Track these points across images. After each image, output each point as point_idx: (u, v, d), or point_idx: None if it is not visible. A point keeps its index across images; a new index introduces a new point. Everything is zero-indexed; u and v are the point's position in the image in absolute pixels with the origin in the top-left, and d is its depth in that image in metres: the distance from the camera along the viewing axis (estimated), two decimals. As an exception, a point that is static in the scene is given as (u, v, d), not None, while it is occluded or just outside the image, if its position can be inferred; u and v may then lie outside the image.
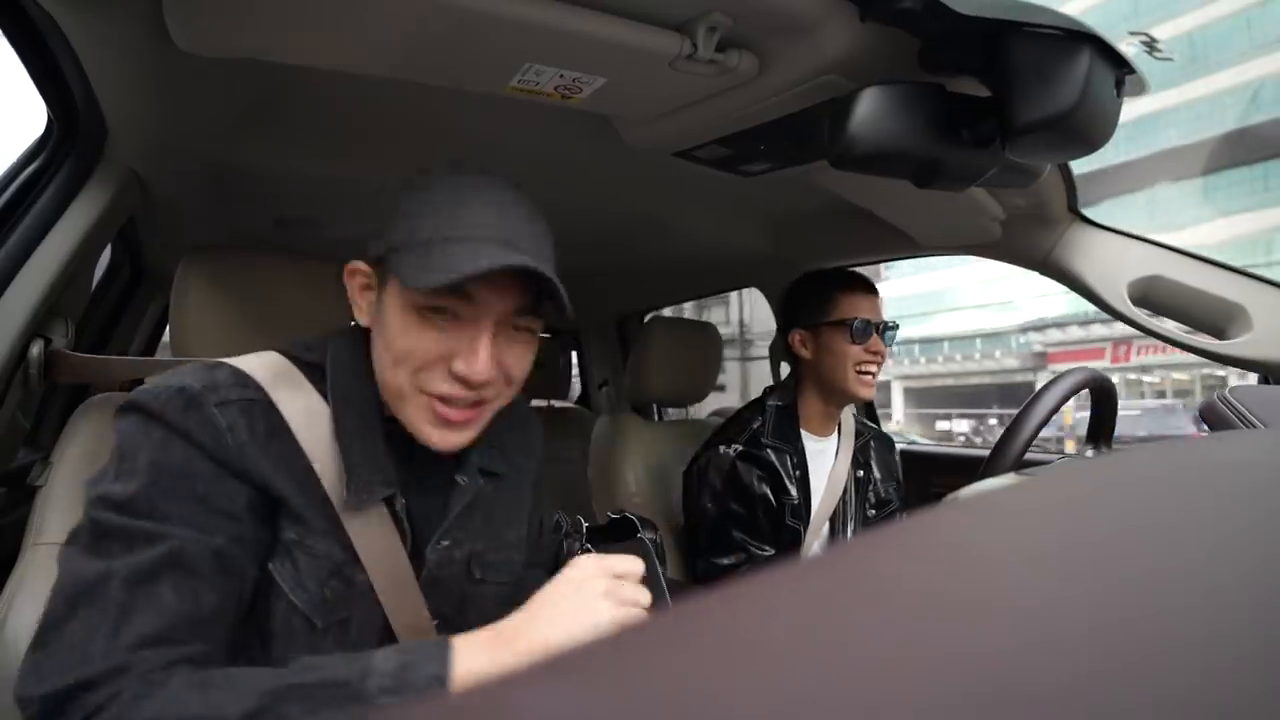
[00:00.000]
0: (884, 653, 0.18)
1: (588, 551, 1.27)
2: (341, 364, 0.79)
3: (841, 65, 0.88)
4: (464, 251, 0.68)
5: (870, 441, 1.67)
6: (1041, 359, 23.65)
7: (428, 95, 0.97)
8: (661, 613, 0.21)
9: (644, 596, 0.69)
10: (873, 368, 1.48)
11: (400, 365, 0.73)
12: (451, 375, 0.72)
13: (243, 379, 0.73)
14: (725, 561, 1.49)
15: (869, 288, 1.52)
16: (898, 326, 1.55)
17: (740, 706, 0.16)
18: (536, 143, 1.27)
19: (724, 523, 1.49)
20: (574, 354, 3.10)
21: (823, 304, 1.51)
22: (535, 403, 2.70)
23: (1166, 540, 0.28)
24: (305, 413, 0.74)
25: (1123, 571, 0.24)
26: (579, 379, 3.18)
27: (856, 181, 1.28)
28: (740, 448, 1.50)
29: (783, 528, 1.49)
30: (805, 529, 1.51)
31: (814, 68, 0.89)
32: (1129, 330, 1.39)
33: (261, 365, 0.75)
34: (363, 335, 0.81)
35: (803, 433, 1.55)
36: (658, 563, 1.29)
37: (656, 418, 2.35)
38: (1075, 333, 22.89)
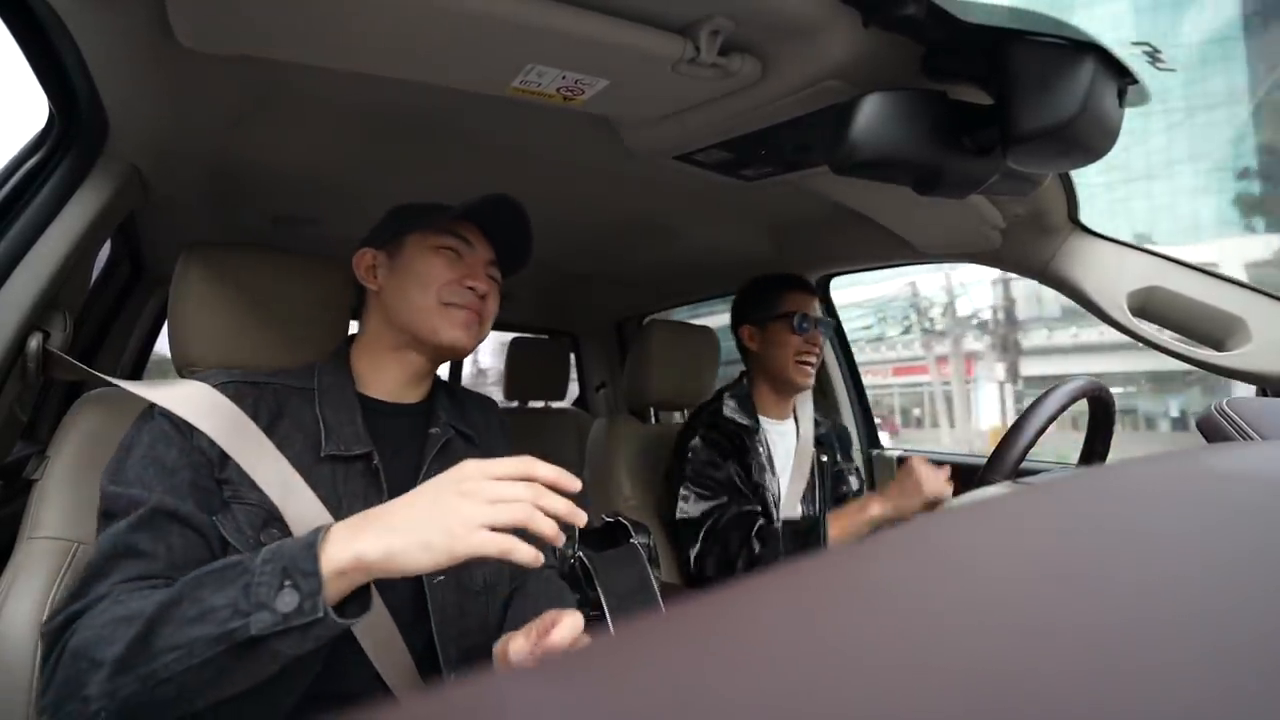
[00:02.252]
0: (874, 658, 0.18)
1: (579, 556, 1.27)
2: (329, 371, 1.01)
3: (844, 71, 0.88)
4: (466, 205, 1.00)
5: (831, 431, 1.87)
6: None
7: (429, 95, 0.97)
8: (654, 616, 0.21)
9: (525, 493, 0.69)
10: (810, 358, 1.66)
11: (427, 289, 0.99)
12: (463, 288, 1.00)
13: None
14: (707, 506, 1.57)
15: (809, 288, 1.73)
16: (832, 322, 1.78)
17: (730, 708, 0.16)
18: (537, 144, 1.27)
19: (701, 482, 1.61)
20: (572, 356, 3.10)
21: (769, 302, 1.70)
22: (532, 404, 2.69)
23: (1162, 552, 0.27)
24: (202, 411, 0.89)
25: (1117, 582, 0.24)
26: (576, 381, 3.18)
27: (857, 187, 1.28)
28: (703, 430, 1.65)
29: (756, 492, 1.60)
30: (779, 502, 1.63)
31: (816, 73, 0.89)
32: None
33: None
34: (344, 348, 1.06)
35: (760, 416, 1.70)
36: (650, 566, 1.29)
37: (653, 420, 2.36)
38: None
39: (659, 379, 1.89)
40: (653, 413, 2.28)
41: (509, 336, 2.79)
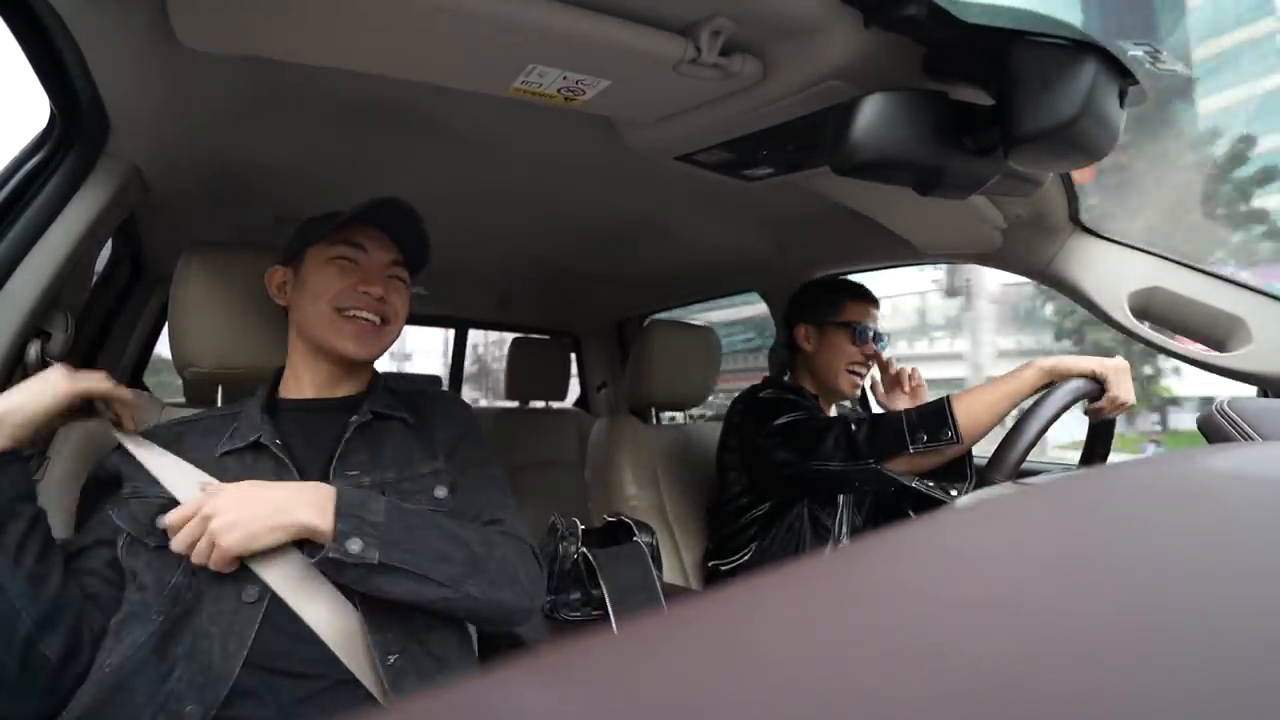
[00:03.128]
0: (877, 656, 0.18)
1: (583, 555, 1.27)
2: (256, 397, 1.07)
3: (845, 71, 0.88)
4: (351, 211, 1.01)
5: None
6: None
7: (430, 95, 0.97)
8: (656, 615, 0.21)
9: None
10: (862, 369, 1.66)
11: (322, 298, 1.02)
12: (359, 293, 1.03)
13: None
14: (789, 418, 1.52)
15: (873, 300, 1.70)
16: (890, 335, 1.75)
17: (733, 708, 0.16)
18: (539, 144, 1.27)
19: (776, 412, 1.55)
20: (573, 356, 3.10)
21: (831, 306, 1.67)
22: (533, 404, 2.69)
23: (1164, 551, 0.27)
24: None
25: (1118, 581, 0.24)
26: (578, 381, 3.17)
27: (858, 188, 1.28)
28: (764, 393, 1.63)
29: None
30: None
31: (817, 73, 0.89)
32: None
33: None
34: (278, 371, 1.11)
35: None
36: (653, 566, 1.29)
37: (655, 421, 2.36)
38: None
39: (660, 379, 1.89)
40: (654, 413, 2.28)
41: (473, 337, 2.78)
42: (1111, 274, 1.34)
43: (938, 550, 0.28)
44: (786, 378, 1.73)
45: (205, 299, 1.11)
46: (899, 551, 0.28)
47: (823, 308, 1.69)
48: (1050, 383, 1.25)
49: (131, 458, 0.95)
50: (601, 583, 1.20)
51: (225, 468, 0.95)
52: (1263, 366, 1.18)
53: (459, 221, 1.72)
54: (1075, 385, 1.12)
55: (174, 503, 0.89)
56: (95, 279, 1.66)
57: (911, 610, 0.21)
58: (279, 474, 0.95)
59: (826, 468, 1.41)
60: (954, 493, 1.42)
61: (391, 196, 1.02)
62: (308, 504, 0.86)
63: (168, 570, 0.88)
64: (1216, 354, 1.24)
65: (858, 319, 1.64)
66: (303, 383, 1.07)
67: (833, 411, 1.75)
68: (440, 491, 1.02)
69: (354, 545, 0.85)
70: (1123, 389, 1.18)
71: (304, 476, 0.95)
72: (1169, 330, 1.31)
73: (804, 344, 1.70)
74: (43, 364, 1.04)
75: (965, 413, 1.30)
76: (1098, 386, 1.16)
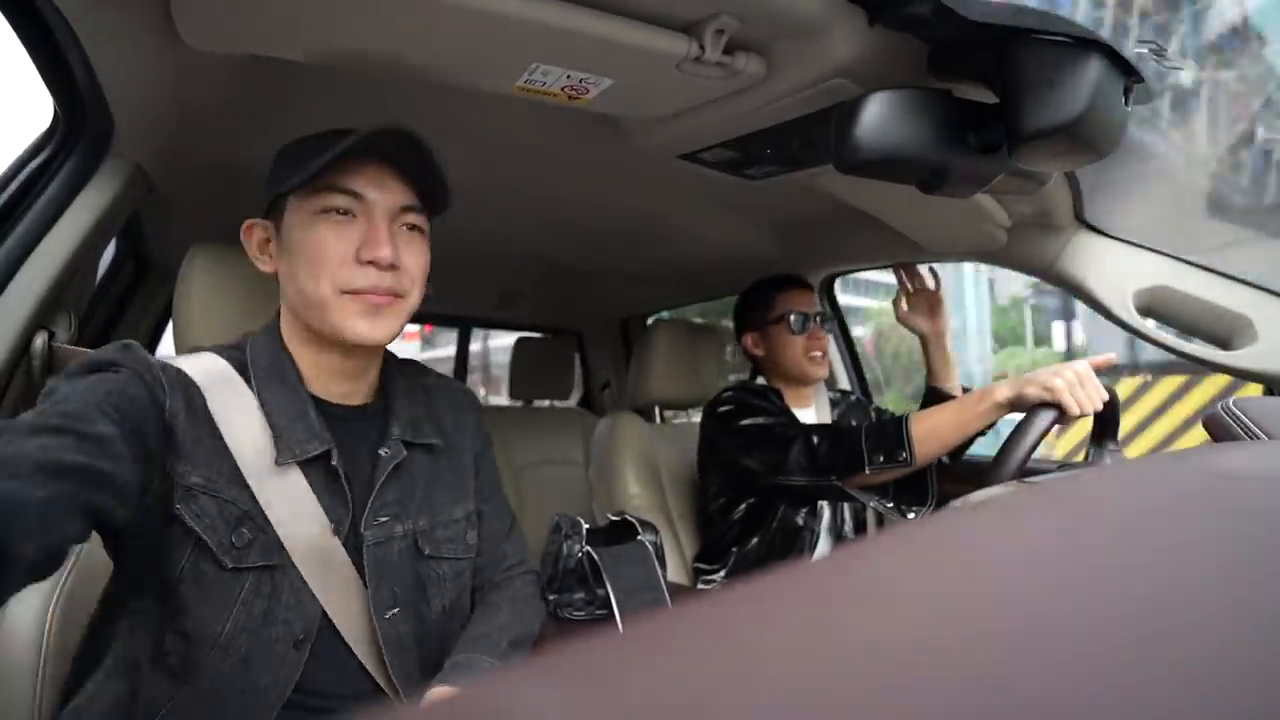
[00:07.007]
0: (883, 657, 0.18)
1: (587, 554, 1.27)
2: (262, 347, 0.86)
3: (849, 69, 0.88)
4: (337, 143, 0.77)
5: (847, 408, 1.85)
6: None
7: (434, 94, 0.97)
8: (662, 614, 0.21)
9: None
10: (817, 352, 1.66)
11: (319, 272, 0.80)
12: (362, 264, 0.81)
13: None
14: (761, 420, 1.55)
15: (803, 284, 1.73)
16: (834, 317, 1.77)
17: (738, 708, 0.16)
18: (543, 143, 1.27)
19: (745, 414, 1.57)
20: (577, 354, 3.09)
21: (765, 306, 1.71)
22: (537, 403, 2.69)
23: (1170, 550, 0.27)
24: (223, 388, 0.80)
25: (1124, 581, 0.24)
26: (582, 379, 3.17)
27: (862, 186, 1.28)
28: (732, 394, 1.65)
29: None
30: None
31: (821, 72, 0.89)
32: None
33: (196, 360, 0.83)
34: (276, 325, 0.90)
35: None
36: (657, 565, 1.29)
37: (658, 420, 2.36)
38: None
39: (664, 378, 1.89)
40: (658, 412, 2.29)
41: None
42: (1117, 272, 1.34)
43: (944, 551, 0.28)
44: (760, 381, 1.74)
45: (210, 298, 1.11)
46: (904, 552, 0.28)
47: (758, 310, 1.72)
48: (1011, 410, 1.26)
49: (198, 416, 0.76)
50: (606, 582, 1.20)
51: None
52: (1269, 365, 1.18)
53: (462, 219, 1.71)
54: (1039, 421, 1.11)
55: (257, 518, 0.77)
56: (99, 278, 1.67)
57: (917, 612, 0.21)
58: (330, 494, 0.82)
59: (791, 482, 1.45)
60: (911, 514, 1.49)
61: (390, 125, 0.79)
62: None
63: (226, 604, 0.74)
64: (1222, 353, 1.24)
65: (790, 309, 1.66)
66: (308, 375, 0.87)
67: (822, 404, 1.77)
68: (472, 537, 0.96)
69: None
70: (1080, 400, 1.12)
71: (348, 509, 0.84)
72: (1175, 328, 1.31)
73: (754, 350, 1.74)
74: (49, 358, 1.04)
75: (921, 436, 1.32)
76: (1058, 409, 1.13)
